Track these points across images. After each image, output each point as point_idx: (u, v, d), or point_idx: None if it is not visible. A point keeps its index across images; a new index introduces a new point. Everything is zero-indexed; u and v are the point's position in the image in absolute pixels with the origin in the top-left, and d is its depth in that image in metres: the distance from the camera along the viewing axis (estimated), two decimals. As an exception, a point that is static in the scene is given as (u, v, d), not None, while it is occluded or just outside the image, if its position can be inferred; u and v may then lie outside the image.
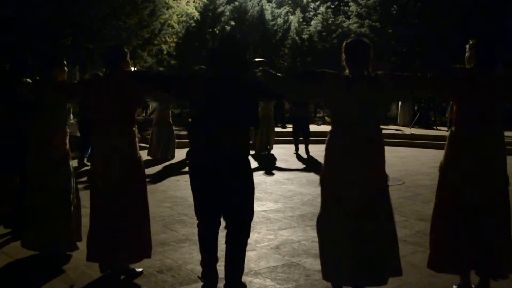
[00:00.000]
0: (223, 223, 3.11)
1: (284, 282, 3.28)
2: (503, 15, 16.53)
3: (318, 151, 11.08)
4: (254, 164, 9.25)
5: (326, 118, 20.11)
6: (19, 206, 4.04)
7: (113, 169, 3.21)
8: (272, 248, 4.04)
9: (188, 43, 22.45)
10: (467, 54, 3.08)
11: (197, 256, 3.76)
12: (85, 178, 6.62)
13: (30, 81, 3.93)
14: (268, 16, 25.25)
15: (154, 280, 3.31)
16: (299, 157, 10.52)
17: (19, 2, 12.33)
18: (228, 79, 2.97)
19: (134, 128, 3.32)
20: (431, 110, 19.71)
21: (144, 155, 9.98)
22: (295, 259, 3.75)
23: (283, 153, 11.18)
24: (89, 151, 8.62)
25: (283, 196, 6.20)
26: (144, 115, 17.33)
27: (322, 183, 3.02)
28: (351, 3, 22.46)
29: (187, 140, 3.25)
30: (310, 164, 9.57)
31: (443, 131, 14.44)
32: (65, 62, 3.80)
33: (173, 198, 5.93)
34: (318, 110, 23.33)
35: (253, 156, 10.64)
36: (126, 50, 3.43)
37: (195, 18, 22.24)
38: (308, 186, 6.85)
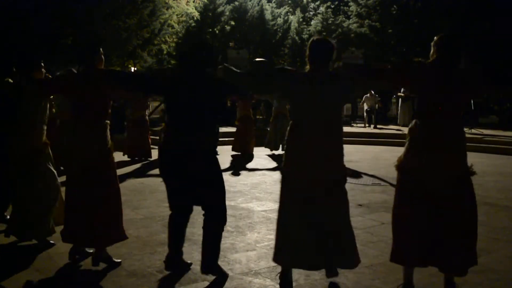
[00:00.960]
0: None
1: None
2: (503, 15, 16.53)
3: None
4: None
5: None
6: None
7: (85, 159, 3.46)
8: (272, 248, 4.02)
9: (188, 43, 22.43)
10: (431, 51, 3.05)
11: (197, 256, 3.77)
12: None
13: (11, 81, 4.18)
14: (268, 16, 25.22)
15: (154, 280, 3.31)
16: None
17: (19, 2, 12.34)
18: (192, 77, 3.18)
19: (106, 122, 3.56)
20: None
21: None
22: (295, 259, 3.75)
23: None
24: None
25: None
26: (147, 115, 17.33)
27: (283, 176, 3.13)
28: (351, 3, 22.45)
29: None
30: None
31: (443, 131, 14.44)
32: (42, 64, 4.07)
33: (173, 198, 5.93)
34: None
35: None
36: (100, 47, 3.62)
37: (195, 18, 22.22)
38: (308, 186, 6.86)
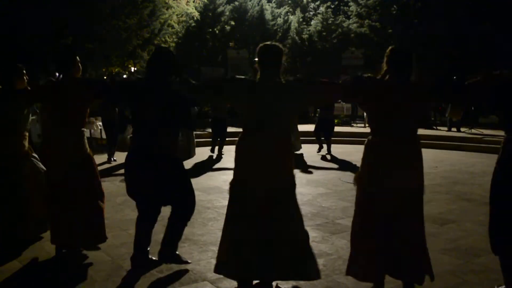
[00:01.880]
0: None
1: (284, 282, 3.27)
2: (502, 15, 16.53)
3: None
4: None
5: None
6: None
7: (64, 164, 3.58)
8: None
9: (188, 43, 22.45)
10: (383, 63, 3.03)
11: (197, 256, 3.77)
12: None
13: None
14: (268, 16, 25.25)
15: (154, 280, 3.31)
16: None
17: (19, 2, 12.34)
18: (156, 86, 3.33)
19: (83, 129, 3.71)
20: (431, 110, 19.69)
21: None
22: (295, 259, 3.74)
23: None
24: (114, 150, 9.02)
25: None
26: None
27: (231, 185, 3.08)
28: (351, 3, 22.48)
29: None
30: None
31: (443, 131, 14.45)
32: (24, 71, 4.10)
33: (173, 198, 5.93)
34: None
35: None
36: (76, 55, 3.72)
37: (195, 18, 22.25)
38: (308, 186, 6.84)
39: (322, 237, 4.29)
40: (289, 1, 32.62)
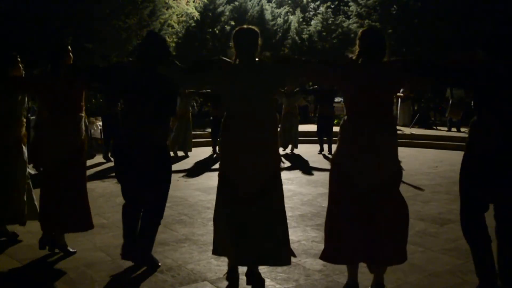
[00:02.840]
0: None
1: (284, 282, 3.28)
2: (502, 15, 16.52)
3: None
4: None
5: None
6: None
7: (61, 152, 3.70)
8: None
9: (188, 43, 22.42)
10: (355, 46, 3.03)
11: (197, 256, 3.77)
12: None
13: None
14: (268, 16, 25.23)
15: (154, 280, 3.31)
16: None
17: (19, 1, 12.34)
18: (143, 71, 3.30)
19: (80, 115, 3.79)
20: (431, 110, 19.70)
21: None
22: (295, 259, 3.74)
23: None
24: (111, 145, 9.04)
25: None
26: None
27: (219, 170, 3.14)
28: (351, 3, 22.44)
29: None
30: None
31: (443, 131, 14.44)
32: (19, 59, 4.20)
33: (173, 198, 5.93)
34: None
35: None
36: (68, 46, 3.84)
37: (195, 18, 22.21)
38: (308, 186, 6.84)
39: (322, 237, 4.27)
40: (289, 1, 32.61)
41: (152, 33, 3.79)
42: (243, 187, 3.01)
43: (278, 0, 30.22)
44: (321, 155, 10.72)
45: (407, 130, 15.23)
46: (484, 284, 2.91)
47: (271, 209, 3.04)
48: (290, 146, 10.98)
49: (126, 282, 3.29)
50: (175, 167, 8.79)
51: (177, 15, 20.05)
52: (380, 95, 2.91)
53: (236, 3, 24.68)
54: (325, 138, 10.75)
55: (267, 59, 3.12)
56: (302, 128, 11.92)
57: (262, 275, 3.41)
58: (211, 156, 10.39)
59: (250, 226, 3.01)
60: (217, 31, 23.25)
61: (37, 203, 4.15)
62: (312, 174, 8.12)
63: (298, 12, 27.52)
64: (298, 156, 10.76)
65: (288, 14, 26.97)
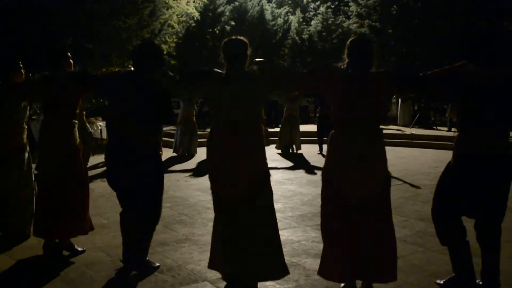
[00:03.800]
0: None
1: (284, 282, 3.27)
2: (503, 15, 16.51)
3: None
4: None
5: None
6: None
7: (54, 156, 3.74)
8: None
9: (188, 43, 22.43)
10: (344, 54, 3.01)
11: (197, 256, 3.77)
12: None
13: None
14: (268, 16, 25.23)
15: (154, 280, 3.31)
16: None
17: (20, 2, 12.34)
18: (136, 80, 3.31)
19: (74, 121, 3.82)
20: (431, 110, 19.71)
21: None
22: (295, 259, 3.75)
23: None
24: None
25: (283, 196, 6.20)
26: None
27: (210, 180, 3.11)
28: (351, 3, 22.44)
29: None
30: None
31: (443, 131, 14.44)
32: (21, 65, 4.25)
33: (173, 198, 5.93)
34: None
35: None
36: (68, 53, 3.88)
37: (195, 18, 22.21)
38: (308, 186, 6.84)
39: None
40: (289, 1, 32.62)
41: (147, 42, 3.80)
42: (229, 192, 2.99)
43: (278, 0, 30.21)
44: (320, 155, 10.72)
45: (407, 130, 15.23)
46: (460, 281, 2.94)
47: (260, 220, 3.00)
48: (294, 147, 11.13)
49: (126, 282, 3.28)
50: (177, 167, 8.84)
51: (177, 15, 20.04)
52: (368, 106, 2.88)
53: (236, 3, 24.67)
54: (325, 138, 10.79)
55: (253, 72, 3.11)
56: (302, 128, 11.95)
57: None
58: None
59: (240, 241, 2.97)
60: (217, 31, 23.25)
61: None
62: (312, 174, 8.12)
63: (298, 12, 27.52)
64: (298, 156, 10.76)
65: (288, 14, 26.97)
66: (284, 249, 3.96)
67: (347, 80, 2.92)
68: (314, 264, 3.57)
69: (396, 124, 17.65)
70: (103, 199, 5.94)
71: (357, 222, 2.87)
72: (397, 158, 9.84)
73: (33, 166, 4.30)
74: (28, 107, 4.35)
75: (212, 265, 3.18)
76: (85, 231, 3.87)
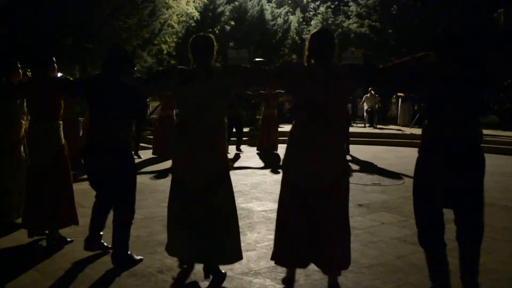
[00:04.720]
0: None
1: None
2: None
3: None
4: (258, 162, 9.26)
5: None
6: None
7: (41, 154, 3.98)
8: (272, 248, 4.03)
9: (188, 43, 22.47)
10: (304, 48, 3.04)
11: (197, 256, 3.77)
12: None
13: None
14: (268, 16, 25.24)
15: (154, 280, 3.31)
16: None
17: (20, 2, 12.35)
18: (107, 82, 3.53)
19: (59, 122, 4.06)
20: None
21: (148, 154, 10.33)
22: (295, 259, 3.75)
23: (283, 153, 11.16)
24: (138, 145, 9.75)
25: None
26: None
27: (172, 170, 3.27)
28: (351, 3, 22.46)
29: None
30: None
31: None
32: (19, 65, 4.48)
33: (173, 198, 5.93)
34: None
35: (258, 154, 10.76)
36: (53, 58, 4.12)
37: (195, 18, 22.23)
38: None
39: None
40: (289, 1, 32.63)
41: (115, 47, 4.09)
42: (189, 183, 3.11)
43: (278, 0, 30.22)
44: None
45: (407, 130, 15.23)
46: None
47: (217, 208, 3.11)
48: (273, 147, 11.08)
49: (126, 282, 3.29)
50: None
51: (177, 15, 20.05)
52: (329, 98, 2.90)
53: (236, 3, 24.68)
54: None
55: (216, 69, 3.18)
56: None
57: (263, 275, 3.41)
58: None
59: (196, 225, 3.09)
60: (217, 31, 23.26)
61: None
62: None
63: (298, 12, 27.54)
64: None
65: (288, 14, 26.98)
66: (284, 249, 3.98)
67: (308, 73, 2.96)
68: (313, 264, 3.57)
69: (396, 124, 17.64)
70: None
71: (309, 210, 2.93)
72: (397, 158, 9.83)
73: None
74: (24, 104, 4.51)
75: (168, 250, 3.31)
76: (77, 221, 4.10)
